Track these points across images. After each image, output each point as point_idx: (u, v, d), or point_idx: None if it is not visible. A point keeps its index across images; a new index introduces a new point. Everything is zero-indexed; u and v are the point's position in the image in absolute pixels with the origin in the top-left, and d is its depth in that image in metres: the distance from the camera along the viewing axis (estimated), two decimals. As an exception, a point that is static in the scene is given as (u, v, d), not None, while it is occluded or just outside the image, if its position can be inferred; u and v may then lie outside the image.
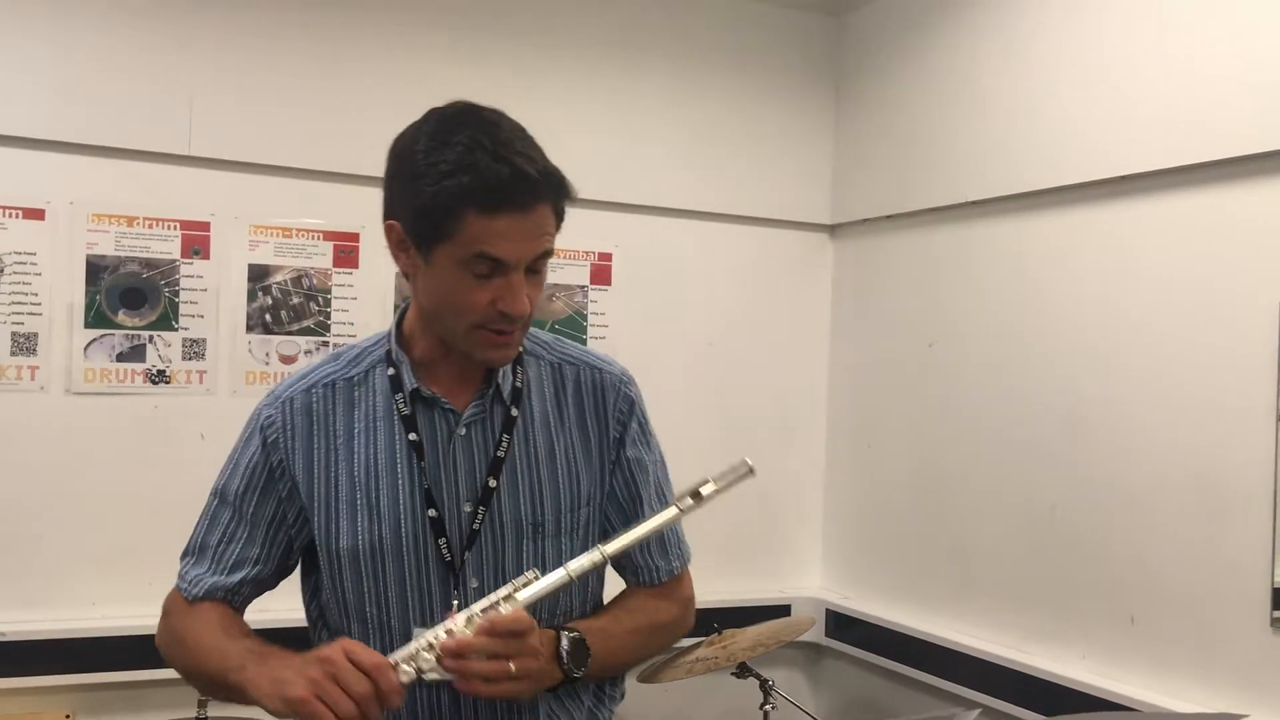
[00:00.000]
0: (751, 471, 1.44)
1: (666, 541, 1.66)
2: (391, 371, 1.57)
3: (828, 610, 3.53)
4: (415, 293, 1.54)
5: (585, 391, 1.62)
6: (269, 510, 1.57)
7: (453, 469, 1.54)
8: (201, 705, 2.60)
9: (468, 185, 1.38)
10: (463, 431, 1.54)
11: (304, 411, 1.57)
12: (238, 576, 1.57)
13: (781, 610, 3.42)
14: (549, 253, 1.48)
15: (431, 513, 1.52)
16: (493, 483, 1.53)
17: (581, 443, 1.60)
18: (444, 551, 1.52)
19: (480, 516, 1.52)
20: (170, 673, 2.83)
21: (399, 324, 1.60)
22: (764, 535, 3.61)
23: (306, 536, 1.59)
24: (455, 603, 1.50)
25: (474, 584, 1.52)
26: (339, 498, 1.54)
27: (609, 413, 1.62)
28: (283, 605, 1.71)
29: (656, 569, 1.66)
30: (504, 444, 1.55)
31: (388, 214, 1.50)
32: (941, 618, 3.17)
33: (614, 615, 1.63)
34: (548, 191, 1.44)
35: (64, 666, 2.75)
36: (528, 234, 1.43)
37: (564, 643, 1.48)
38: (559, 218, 1.48)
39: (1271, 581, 2.32)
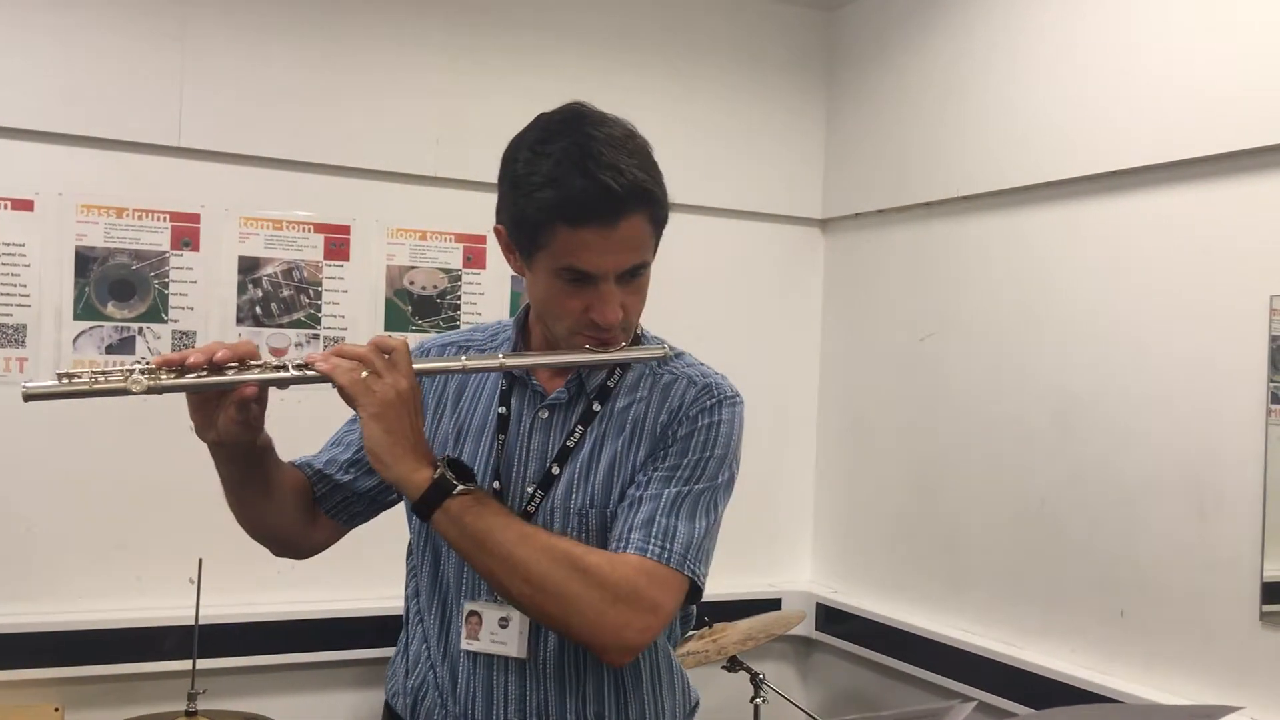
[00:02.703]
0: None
1: (657, 528, 1.48)
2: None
3: (818, 604, 3.54)
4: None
5: (672, 398, 1.59)
6: None
7: (526, 448, 1.59)
8: (191, 699, 2.59)
9: (553, 199, 1.43)
10: (544, 415, 1.59)
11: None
12: (320, 461, 1.67)
13: (772, 604, 3.42)
14: (645, 263, 1.50)
15: (496, 485, 1.57)
16: (556, 470, 1.57)
17: (649, 447, 1.56)
18: None
19: (538, 499, 1.56)
20: (160, 665, 2.86)
21: (526, 310, 1.66)
22: (755, 529, 3.60)
23: None
24: None
25: None
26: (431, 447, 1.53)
27: (675, 415, 1.57)
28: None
29: (627, 539, 1.48)
30: (576, 434, 1.57)
31: (497, 219, 1.56)
32: (932, 612, 3.18)
33: (533, 526, 1.51)
34: (635, 204, 1.46)
35: (53, 659, 2.73)
36: (614, 247, 1.45)
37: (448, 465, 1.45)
38: (656, 226, 1.51)
39: (1261, 576, 2.33)
